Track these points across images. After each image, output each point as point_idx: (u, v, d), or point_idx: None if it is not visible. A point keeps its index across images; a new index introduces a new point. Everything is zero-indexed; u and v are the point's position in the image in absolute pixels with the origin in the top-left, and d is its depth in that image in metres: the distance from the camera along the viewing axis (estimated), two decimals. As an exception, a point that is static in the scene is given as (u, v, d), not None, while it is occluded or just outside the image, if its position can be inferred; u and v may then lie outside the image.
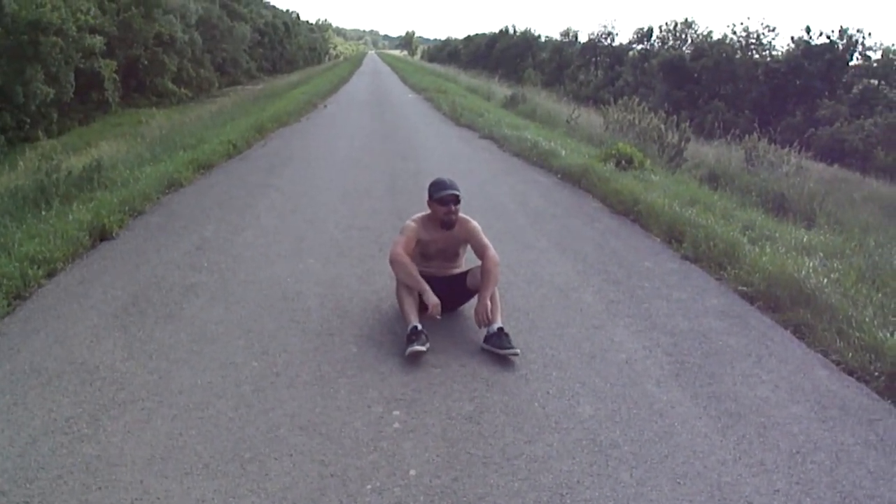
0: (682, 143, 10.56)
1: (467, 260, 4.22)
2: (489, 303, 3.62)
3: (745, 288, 4.67)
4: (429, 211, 3.97)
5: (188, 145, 9.76)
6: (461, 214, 3.96)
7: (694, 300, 4.58)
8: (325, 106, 18.82)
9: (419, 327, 3.59)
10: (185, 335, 3.73)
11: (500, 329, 3.62)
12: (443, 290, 3.85)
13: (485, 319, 3.59)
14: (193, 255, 5.11)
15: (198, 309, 4.13)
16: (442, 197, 3.81)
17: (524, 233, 6.14)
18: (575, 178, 8.40)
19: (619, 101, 12.93)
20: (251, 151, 10.42)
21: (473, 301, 3.97)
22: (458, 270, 4.08)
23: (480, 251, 3.85)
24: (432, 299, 3.60)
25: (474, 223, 3.96)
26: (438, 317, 3.65)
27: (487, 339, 3.64)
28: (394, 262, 3.77)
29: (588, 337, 3.95)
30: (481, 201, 7.16)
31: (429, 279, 3.81)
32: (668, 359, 3.71)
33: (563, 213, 6.99)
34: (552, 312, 4.28)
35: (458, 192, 3.86)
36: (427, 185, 3.99)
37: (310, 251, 5.29)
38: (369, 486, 2.52)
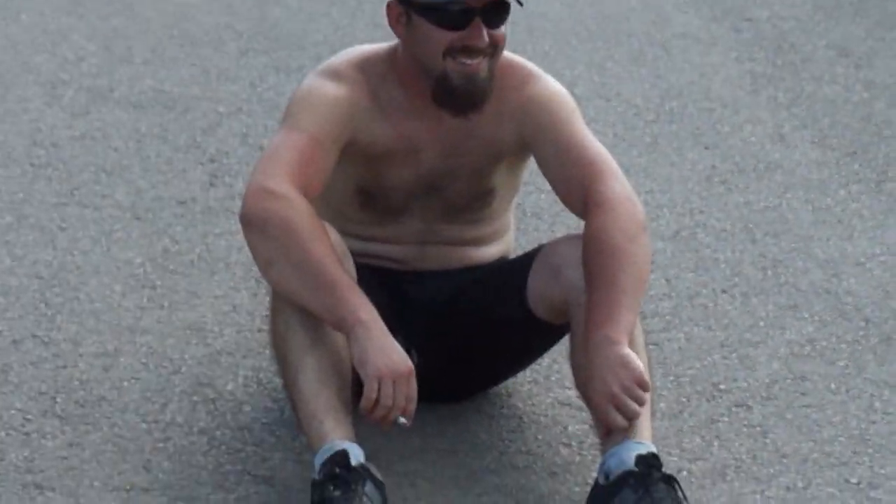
0: None
1: (524, 213, 3.60)
2: (630, 358, 2.43)
3: None
4: (392, 42, 2.69)
5: None
6: (510, 56, 2.70)
7: None
8: None
9: (354, 460, 2.38)
10: None
11: (650, 461, 2.40)
12: (436, 321, 2.78)
13: (614, 420, 2.39)
14: None
15: None
16: None
17: (724, 110, 4.55)
18: None
19: None
20: None
21: (540, 370, 2.97)
22: (490, 251, 2.91)
23: (580, 187, 2.65)
24: (391, 360, 2.45)
25: (556, 89, 2.78)
26: (405, 421, 2.50)
27: (604, 497, 2.49)
28: (263, 223, 2.53)
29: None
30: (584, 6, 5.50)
31: (390, 280, 2.80)
32: None
33: (853, 33, 5.18)
34: (838, 398, 2.90)
35: None
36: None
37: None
38: None
